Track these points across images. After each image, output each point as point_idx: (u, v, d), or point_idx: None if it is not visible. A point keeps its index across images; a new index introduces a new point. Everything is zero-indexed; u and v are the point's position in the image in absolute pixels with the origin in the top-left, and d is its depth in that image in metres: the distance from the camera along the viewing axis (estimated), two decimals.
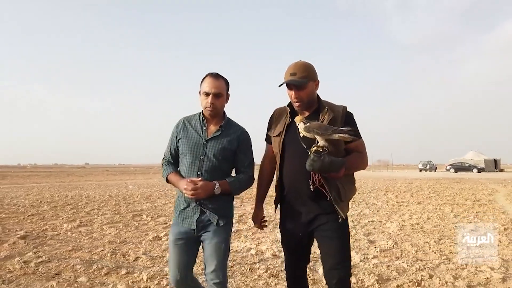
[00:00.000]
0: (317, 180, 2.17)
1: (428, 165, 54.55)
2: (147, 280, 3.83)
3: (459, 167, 49.00)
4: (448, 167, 50.74)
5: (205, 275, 2.36)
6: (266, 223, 2.63)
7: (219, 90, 2.37)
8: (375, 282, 3.76)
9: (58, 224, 7.37)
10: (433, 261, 4.57)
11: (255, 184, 2.63)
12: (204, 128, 2.43)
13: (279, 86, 2.31)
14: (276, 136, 2.42)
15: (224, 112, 2.51)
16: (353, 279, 3.88)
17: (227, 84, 2.46)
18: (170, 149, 2.54)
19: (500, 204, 10.81)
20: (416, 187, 17.89)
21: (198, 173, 2.35)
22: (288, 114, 2.42)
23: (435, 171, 53.29)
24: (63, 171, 59.34)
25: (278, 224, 2.52)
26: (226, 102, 2.49)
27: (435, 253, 5.00)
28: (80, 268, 4.32)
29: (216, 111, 2.41)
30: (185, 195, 2.30)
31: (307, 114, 2.36)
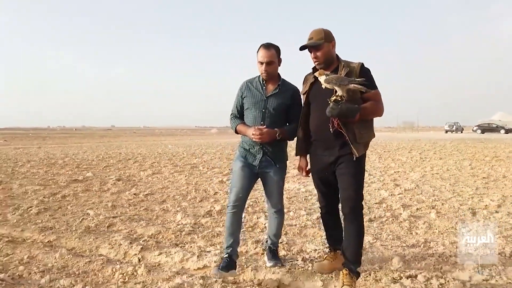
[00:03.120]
0: (336, 124, 2.56)
1: (454, 126, 54.15)
2: None
3: (486, 128, 48.70)
4: (474, 128, 50.43)
5: (267, 206, 3.07)
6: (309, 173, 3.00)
7: (271, 58, 2.84)
8: (400, 206, 5.10)
9: (135, 172, 8.97)
10: (446, 196, 5.85)
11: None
12: (264, 87, 2.95)
13: (300, 49, 2.71)
14: (304, 94, 2.89)
15: (278, 73, 2.99)
16: (382, 205, 5.22)
17: (278, 51, 2.89)
18: (236, 106, 3.08)
19: None
20: (440, 146, 18.82)
21: (262, 123, 2.89)
22: (313, 75, 2.77)
23: (461, 132, 53.07)
24: (93, 133, 61.66)
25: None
26: (279, 66, 2.95)
27: (448, 191, 6.27)
28: (178, 197, 5.85)
29: (270, 76, 2.91)
30: (253, 139, 2.82)
31: (328, 71, 2.67)
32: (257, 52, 2.88)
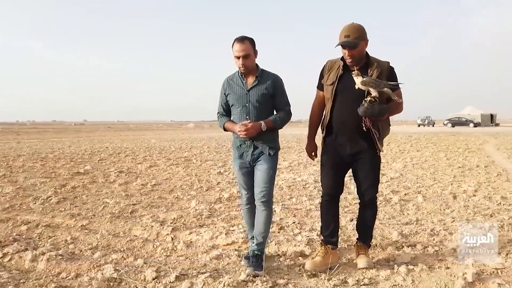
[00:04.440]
0: (368, 122, 2.69)
1: (426, 120, 56.05)
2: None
3: (456, 122, 50.76)
4: (445, 122, 52.42)
5: (254, 195, 2.95)
6: (316, 154, 3.16)
7: (247, 52, 2.78)
8: (390, 192, 5.67)
9: (132, 166, 9.26)
10: (429, 183, 6.49)
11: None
12: (244, 81, 2.92)
13: (335, 46, 2.71)
14: (330, 84, 2.84)
15: (256, 65, 2.94)
16: None
17: (252, 43, 2.84)
18: (221, 104, 3.07)
19: (487, 151, 12.72)
20: (415, 139, 19.77)
21: (247, 117, 2.87)
22: (341, 67, 2.80)
23: (433, 126, 55.00)
24: (66, 127, 60.37)
25: (320, 156, 3.06)
26: (256, 57, 2.91)
27: (430, 179, 6.92)
28: (185, 187, 6.25)
29: (248, 69, 2.87)
30: (240, 136, 2.83)
31: (357, 68, 2.74)
32: (232, 47, 2.84)
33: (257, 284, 2.54)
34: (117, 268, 2.80)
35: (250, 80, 2.93)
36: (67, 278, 2.73)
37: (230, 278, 2.58)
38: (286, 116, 2.94)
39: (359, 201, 3.08)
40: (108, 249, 3.38)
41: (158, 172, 8.10)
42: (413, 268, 2.81)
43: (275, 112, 2.98)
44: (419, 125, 55.46)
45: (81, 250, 3.34)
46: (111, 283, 2.63)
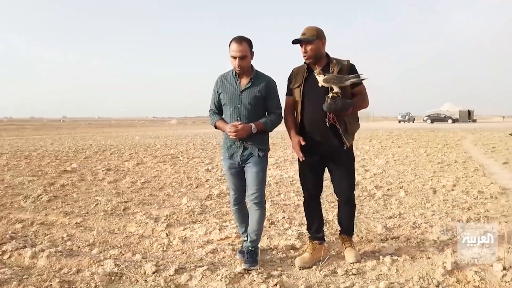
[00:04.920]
0: (331, 118, 2.82)
1: (407, 116, 57.27)
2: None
3: (435, 118, 51.95)
4: (425, 118, 53.58)
5: (247, 197, 3.00)
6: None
7: (243, 53, 2.81)
8: (374, 187, 5.91)
9: (119, 163, 9.29)
10: (410, 179, 6.76)
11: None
12: (238, 82, 2.93)
13: (292, 43, 2.90)
14: (297, 87, 2.98)
15: (251, 66, 2.96)
16: (359, 187, 6.01)
17: (250, 44, 2.86)
18: (214, 102, 3.07)
19: (465, 147, 13.18)
20: (396, 136, 20.26)
21: (238, 118, 2.89)
22: (305, 70, 2.96)
23: (413, 122, 56.20)
24: (45, 124, 59.14)
25: (297, 158, 3.08)
26: (252, 59, 2.93)
27: (411, 175, 7.20)
28: (175, 184, 6.36)
29: (243, 70, 2.89)
30: (230, 137, 2.87)
31: (319, 68, 2.86)
32: (229, 46, 2.85)
33: (252, 276, 2.69)
34: (117, 263, 2.92)
35: (244, 81, 2.94)
36: (69, 273, 2.83)
37: (227, 271, 2.73)
38: (277, 119, 2.98)
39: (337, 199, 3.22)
40: (105, 245, 3.48)
41: (146, 170, 8.16)
42: (397, 259, 3.01)
43: (266, 115, 3.02)
44: (399, 121, 56.57)
45: (79, 247, 3.43)
46: (112, 277, 2.74)
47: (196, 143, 16.37)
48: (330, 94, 2.73)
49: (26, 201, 5.10)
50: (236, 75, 2.96)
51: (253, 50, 2.92)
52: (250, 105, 2.90)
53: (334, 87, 2.73)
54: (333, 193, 3.23)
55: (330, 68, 2.88)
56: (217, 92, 3.02)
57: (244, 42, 2.82)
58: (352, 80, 2.75)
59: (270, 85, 2.96)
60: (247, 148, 2.92)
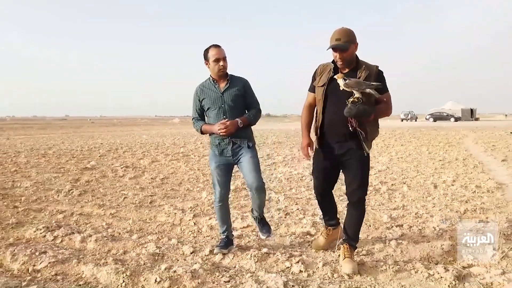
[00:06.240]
0: (354, 123, 2.79)
1: (409, 115, 57.46)
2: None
3: (438, 117, 52.18)
4: (427, 117, 53.78)
5: (247, 185, 3.22)
6: (311, 153, 3.21)
7: (224, 54, 3.13)
8: (379, 183, 6.34)
9: (134, 161, 9.74)
10: (412, 175, 7.18)
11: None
12: (217, 86, 3.20)
13: (327, 49, 2.81)
14: (321, 86, 2.96)
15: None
16: None
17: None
18: (196, 110, 3.31)
19: (466, 145, 13.58)
20: (399, 134, 20.63)
21: (224, 116, 3.14)
22: (332, 70, 2.92)
23: (416, 120, 56.43)
24: (50, 123, 59.38)
25: (312, 158, 3.21)
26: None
27: (413, 171, 7.62)
28: (193, 180, 6.81)
29: (226, 71, 3.18)
30: (220, 134, 3.07)
31: (347, 70, 2.86)
32: (208, 53, 3.13)
33: (277, 255, 3.13)
34: (158, 245, 3.37)
35: (222, 84, 3.20)
36: (117, 254, 3.29)
37: (254, 251, 3.18)
38: (258, 113, 3.28)
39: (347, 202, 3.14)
40: (142, 232, 3.93)
41: (162, 167, 8.61)
42: (401, 242, 3.46)
43: (246, 111, 3.27)
44: (402, 120, 56.73)
45: (119, 233, 3.88)
46: (156, 257, 3.19)
47: (204, 141, 16.79)
48: (351, 99, 2.75)
49: (59, 195, 5.56)
50: (213, 81, 3.23)
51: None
52: (233, 102, 3.18)
53: (355, 92, 2.74)
54: (341, 188, 3.28)
55: (358, 73, 2.84)
56: (199, 100, 3.27)
57: (221, 47, 3.16)
58: (371, 88, 2.73)
59: (246, 84, 3.28)
60: (236, 142, 3.18)
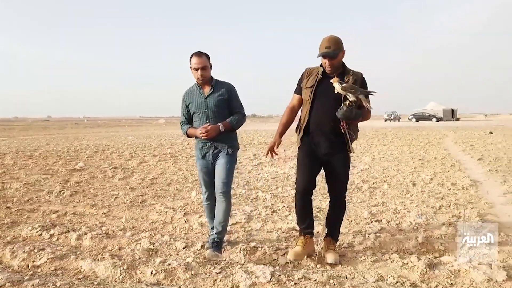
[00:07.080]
0: (346, 125, 2.97)
1: (392, 115, 58.43)
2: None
3: (420, 117, 53.28)
4: (410, 117, 54.84)
5: (215, 188, 3.30)
6: (276, 154, 3.34)
7: (204, 64, 3.20)
8: (361, 181, 6.63)
9: (122, 162, 9.85)
10: (393, 173, 7.50)
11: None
12: (201, 91, 3.32)
13: (318, 56, 2.98)
14: (309, 87, 3.08)
15: (211, 76, 3.33)
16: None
17: (208, 57, 3.25)
18: (183, 114, 3.47)
19: (446, 144, 14.06)
20: (382, 134, 21.15)
21: (207, 121, 3.26)
22: (320, 73, 3.05)
23: (399, 120, 57.43)
24: (31, 124, 58.27)
25: (297, 154, 3.29)
26: (211, 69, 3.31)
27: (394, 170, 7.95)
28: (181, 180, 6.99)
29: (205, 79, 3.27)
30: (202, 138, 3.23)
31: (334, 75, 2.97)
32: (190, 60, 3.23)
33: (264, 249, 3.36)
34: (151, 241, 3.56)
35: (206, 89, 3.32)
36: (113, 250, 3.47)
37: (243, 245, 3.40)
38: (242, 117, 3.36)
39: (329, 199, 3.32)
40: (135, 230, 4.11)
41: (150, 168, 8.75)
42: (380, 235, 3.73)
43: (230, 116, 3.35)
44: (385, 120, 57.63)
45: (113, 231, 4.05)
46: (150, 252, 3.38)
47: (190, 142, 16.89)
48: (347, 102, 2.86)
49: (50, 196, 5.68)
50: (199, 86, 3.36)
51: (211, 62, 3.31)
52: (216, 107, 3.28)
53: (350, 96, 2.85)
54: (325, 186, 3.37)
55: (345, 78, 2.99)
56: (186, 105, 3.41)
57: (203, 55, 3.23)
58: (363, 93, 2.91)
59: (230, 88, 3.36)
60: (217, 147, 3.32)
